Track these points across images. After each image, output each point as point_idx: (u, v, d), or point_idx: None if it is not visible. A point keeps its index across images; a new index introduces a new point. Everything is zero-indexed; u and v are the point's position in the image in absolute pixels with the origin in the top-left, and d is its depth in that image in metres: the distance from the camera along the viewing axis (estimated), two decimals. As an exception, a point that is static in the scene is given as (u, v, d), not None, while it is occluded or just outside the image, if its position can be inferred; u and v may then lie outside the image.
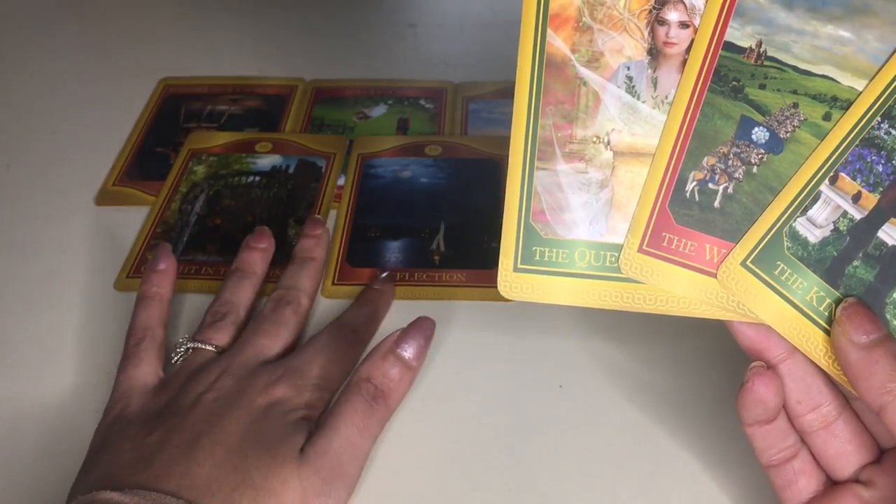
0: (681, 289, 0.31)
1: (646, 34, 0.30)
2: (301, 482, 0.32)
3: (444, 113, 0.58)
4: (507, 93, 0.59)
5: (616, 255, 0.31)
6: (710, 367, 0.41)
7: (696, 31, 0.30)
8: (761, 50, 0.30)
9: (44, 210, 0.51)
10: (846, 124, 0.29)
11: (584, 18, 0.30)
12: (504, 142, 0.54)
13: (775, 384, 0.30)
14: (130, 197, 0.52)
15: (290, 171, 0.53)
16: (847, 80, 0.29)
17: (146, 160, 0.55)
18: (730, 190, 0.30)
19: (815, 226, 0.29)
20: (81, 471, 0.34)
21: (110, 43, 0.66)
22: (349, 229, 0.49)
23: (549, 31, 0.31)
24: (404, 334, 0.37)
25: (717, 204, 0.30)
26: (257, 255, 0.43)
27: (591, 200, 0.31)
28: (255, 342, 0.38)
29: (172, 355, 0.39)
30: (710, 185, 0.30)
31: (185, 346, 0.38)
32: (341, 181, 0.52)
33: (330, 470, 0.33)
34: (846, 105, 0.29)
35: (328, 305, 0.45)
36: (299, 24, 0.68)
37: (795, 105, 0.30)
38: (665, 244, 0.30)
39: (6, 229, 0.50)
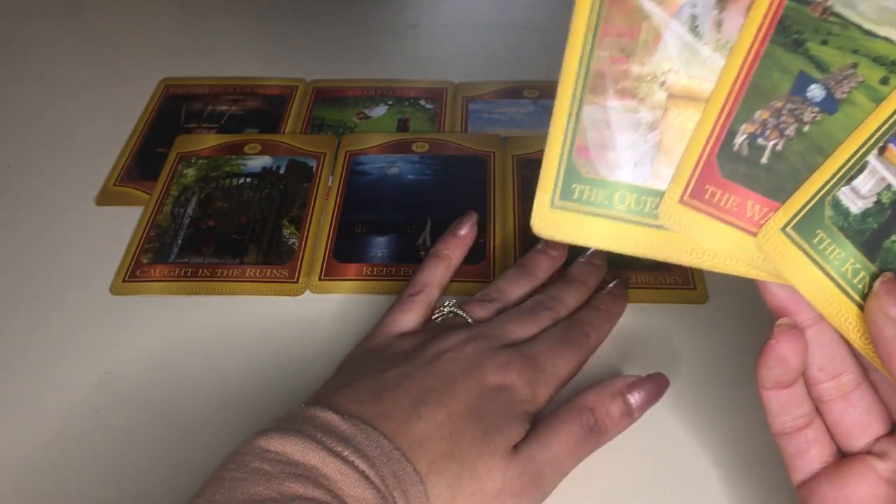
0: (717, 244, 0.30)
1: None
2: (504, 477, 0.32)
3: (445, 113, 0.58)
4: (507, 93, 0.59)
5: (657, 201, 0.30)
6: (709, 367, 0.41)
7: None
8: (828, 4, 0.28)
9: (44, 210, 0.51)
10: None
11: None
12: (490, 139, 0.54)
13: (800, 343, 0.29)
14: (131, 197, 0.52)
15: (281, 171, 0.53)
16: None
17: (147, 160, 0.54)
18: (779, 147, 0.29)
19: (859, 196, 0.29)
20: (324, 384, 0.36)
21: (110, 43, 0.66)
22: (336, 225, 0.49)
23: None
24: (639, 382, 0.37)
25: (764, 160, 0.29)
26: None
27: (639, 141, 0.30)
28: (507, 327, 0.38)
29: (436, 313, 0.40)
30: (760, 141, 0.29)
31: (448, 309, 0.40)
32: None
33: (532, 477, 0.33)
34: None
35: (314, 301, 0.45)
36: (299, 24, 0.68)
37: (855, 65, 0.28)
38: (707, 197, 0.29)
39: (6, 229, 0.50)
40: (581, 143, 0.30)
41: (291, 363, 0.42)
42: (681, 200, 0.30)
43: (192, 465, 0.37)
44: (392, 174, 0.52)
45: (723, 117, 0.29)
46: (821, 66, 0.29)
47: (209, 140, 0.56)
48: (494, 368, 0.35)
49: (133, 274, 0.47)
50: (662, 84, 0.29)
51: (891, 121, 0.28)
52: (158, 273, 0.47)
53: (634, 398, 0.36)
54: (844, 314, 0.28)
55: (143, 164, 0.55)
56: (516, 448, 0.34)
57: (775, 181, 0.29)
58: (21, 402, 0.40)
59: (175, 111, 0.59)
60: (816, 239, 0.29)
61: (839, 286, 0.28)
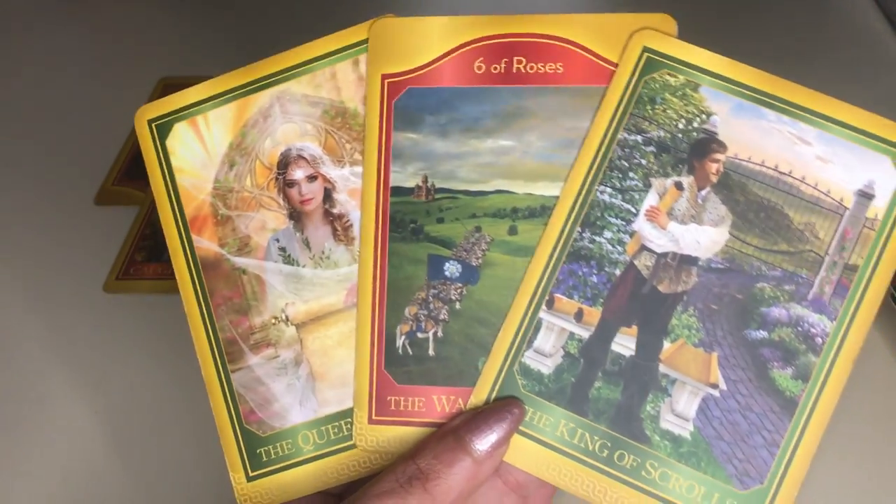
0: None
1: (281, 201, 0.30)
2: None
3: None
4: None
5: (337, 425, 0.30)
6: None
7: (325, 180, 0.29)
8: (429, 185, 0.29)
9: (44, 209, 0.51)
10: (547, 244, 0.27)
11: (220, 211, 0.30)
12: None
13: None
14: (130, 196, 0.51)
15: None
16: (521, 188, 0.28)
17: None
18: (440, 333, 0.28)
19: (545, 355, 0.27)
20: None
21: (110, 43, 0.65)
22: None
23: (194, 236, 0.31)
24: (478, 415, 0.28)
25: (431, 352, 0.28)
26: None
27: (293, 381, 0.30)
28: None
29: None
30: (420, 335, 0.29)
31: None
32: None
33: None
34: (528, 213, 0.28)
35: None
36: (299, 23, 0.67)
37: (478, 228, 0.28)
38: (393, 408, 0.29)
39: (6, 229, 0.50)
40: (245, 409, 0.30)
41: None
42: (370, 422, 0.29)
43: (189, 464, 0.38)
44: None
45: (376, 328, 0.29)
46: (446, 243, 0.29)
47: (208, 138, 0.56)
48: None
49: (126, 272, 0.47)
50: (286, 320, 0.30)
51: (548, 271, 0.27)
52: (152, 271, 0.47)
53: (472, 432, 0.27)
54: (576, 477, 0.27)
55: (142, 163, 0.54)
56: None
57: (450, 367, 0.28)
58: (20, 398, 0.41)
59: (174, 110, 0.59)
60: None
61: (561, 451, 0.27)
